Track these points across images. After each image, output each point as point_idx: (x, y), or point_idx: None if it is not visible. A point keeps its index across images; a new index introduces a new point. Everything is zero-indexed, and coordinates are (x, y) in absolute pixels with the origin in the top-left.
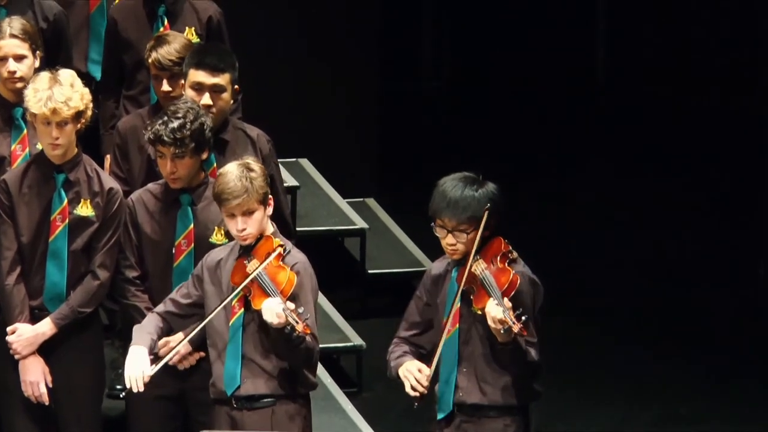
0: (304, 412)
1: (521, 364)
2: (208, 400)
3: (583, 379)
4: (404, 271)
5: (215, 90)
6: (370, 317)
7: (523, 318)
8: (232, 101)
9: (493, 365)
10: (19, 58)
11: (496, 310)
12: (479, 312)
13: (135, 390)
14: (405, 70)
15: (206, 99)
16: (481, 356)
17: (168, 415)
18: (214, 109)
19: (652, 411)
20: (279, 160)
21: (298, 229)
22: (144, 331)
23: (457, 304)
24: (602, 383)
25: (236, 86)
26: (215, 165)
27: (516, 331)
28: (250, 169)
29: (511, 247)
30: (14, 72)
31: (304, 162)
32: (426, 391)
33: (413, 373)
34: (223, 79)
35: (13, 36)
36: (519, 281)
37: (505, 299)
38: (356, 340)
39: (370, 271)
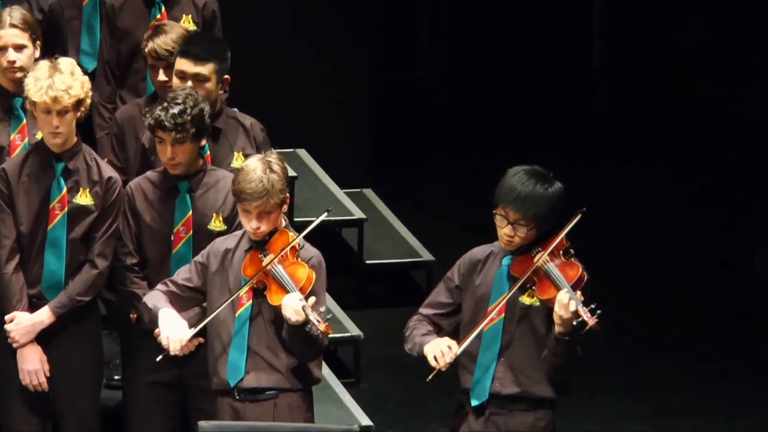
0: (307, 404)
1: (571, 358)
2: (206, 387)
3: (578, 372)
4: (402, 262)
5: (198, 79)
6: (367, 308)
7: (598, 312)
8: (221, 91)
9: (532, 357)
10: (18, 48)
11: (569, 302)
12: (536, 303)
13: (173, 353)
14: (402, 62)
15: None
16: (522, 348)
17: (166, 402)
18: None
19: (647, 404)
20: (276, 150)
21: (295, 219)
22: (160, 299)
23: (508, 294)
24: (598, 376)
25: (226, 76)
26: (209, 153)
27: (591, 325)
28: (272, 170)
29: (569, 243)
30: (14, 62)
31: (302, 152)
32: (444, 369)
33: (441, 347)
34: (206, 69)
35: (13, 26)
36: (587, 276)
37: (578, 292)
38: (354, 331)
39: (367, 262)
